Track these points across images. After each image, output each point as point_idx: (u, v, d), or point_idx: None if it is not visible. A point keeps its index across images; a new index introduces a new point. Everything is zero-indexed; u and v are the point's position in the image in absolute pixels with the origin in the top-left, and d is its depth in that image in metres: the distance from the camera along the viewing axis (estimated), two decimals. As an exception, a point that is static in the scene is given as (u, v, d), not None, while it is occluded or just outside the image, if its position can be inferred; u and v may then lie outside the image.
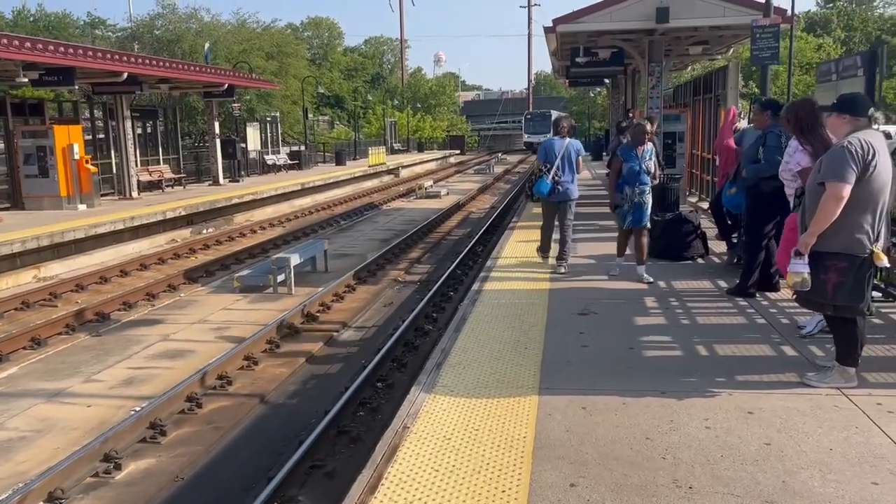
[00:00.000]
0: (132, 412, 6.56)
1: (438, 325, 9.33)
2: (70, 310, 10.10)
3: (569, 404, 4.52)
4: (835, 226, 4.27)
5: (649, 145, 8.45)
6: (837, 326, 4.61)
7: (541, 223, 9.47)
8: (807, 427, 4.10)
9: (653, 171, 8.42)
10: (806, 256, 4.35)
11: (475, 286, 8.27)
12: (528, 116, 66.95)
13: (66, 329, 9.35)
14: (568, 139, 9.02)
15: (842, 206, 4.22)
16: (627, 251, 8.83)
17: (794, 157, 5.82)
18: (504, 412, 4.43)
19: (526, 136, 66.10)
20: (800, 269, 4.35)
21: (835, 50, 50.33)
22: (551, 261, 9.31)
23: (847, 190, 4.21)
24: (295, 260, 11.47)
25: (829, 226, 4.27)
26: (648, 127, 8.61)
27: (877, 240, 4.38)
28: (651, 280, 8.17)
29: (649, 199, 8.43)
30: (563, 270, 9.00)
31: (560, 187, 8.90)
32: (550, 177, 8.85)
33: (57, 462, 5.46)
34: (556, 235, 9.18)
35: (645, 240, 8.49)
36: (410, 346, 8.50)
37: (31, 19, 54.51)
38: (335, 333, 9.25)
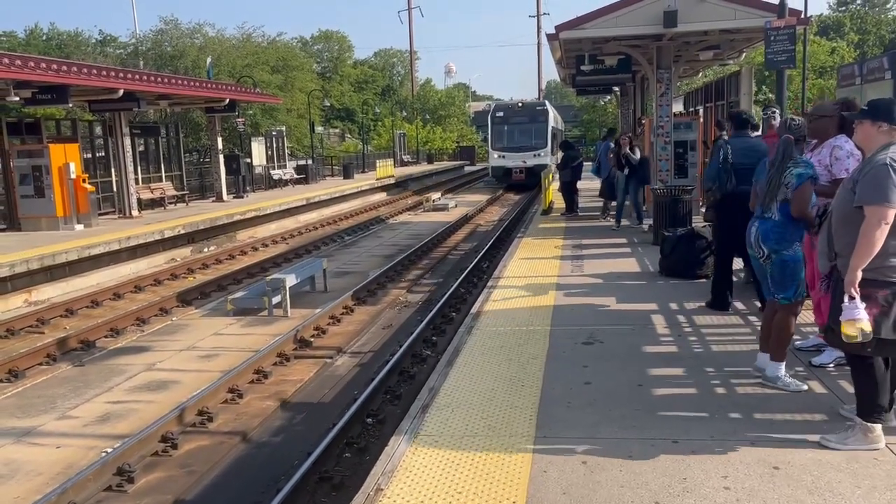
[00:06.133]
0: (103, 454, 6.09)
1: (438, 350, 8.82)
2: (55, 336, 9.67)
3: (567, 458, 3.96)
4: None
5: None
6: (859, 370, 3.96)
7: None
8: (843, 487, 3.53)
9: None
10: (858, 299, 3.69)
11: (473, 310, 7.74)
12: (500, 116, 34.80)
13: (47, 359, 8.91)
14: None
15: (887, 231, 3.67)
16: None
17: (846, 163, 5.01)
18: (493, 469, 3.88)
19: (496, 154, 34.15)
20: (857, 316, 3.65)
21: (849, 53, 49.57)
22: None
23: (893, 213, 3.66)
24: (291, 280, 11.00)
25: None
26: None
27: None
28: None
29: None
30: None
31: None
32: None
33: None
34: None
35: None
36: (406, 374, 7.99)
37: (44, 38, 54.87)
38: (329, 360, 8.77)
